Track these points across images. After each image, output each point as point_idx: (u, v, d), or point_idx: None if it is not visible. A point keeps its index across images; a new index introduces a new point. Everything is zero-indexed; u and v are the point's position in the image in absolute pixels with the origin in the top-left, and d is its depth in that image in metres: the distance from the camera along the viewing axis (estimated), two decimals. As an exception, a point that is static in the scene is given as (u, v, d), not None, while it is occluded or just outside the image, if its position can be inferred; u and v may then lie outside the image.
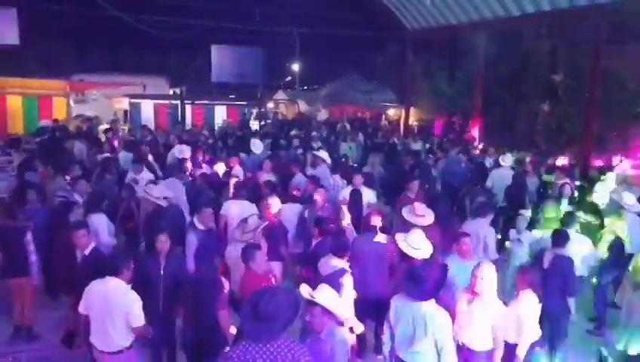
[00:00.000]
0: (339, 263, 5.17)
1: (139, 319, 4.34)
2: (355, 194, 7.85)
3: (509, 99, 17.17)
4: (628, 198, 7.19)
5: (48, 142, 12.14)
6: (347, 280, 4.91)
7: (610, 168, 10.99)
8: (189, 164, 9.02)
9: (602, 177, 9.96)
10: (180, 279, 5.11)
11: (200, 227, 6.15)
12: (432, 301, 4.12)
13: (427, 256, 5.25)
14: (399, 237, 5.38)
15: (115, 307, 4.31)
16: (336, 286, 4.39)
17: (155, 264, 5.12)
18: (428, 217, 6.29)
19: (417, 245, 5.27)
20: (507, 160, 10.27)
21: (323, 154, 9.88)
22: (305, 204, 7.28)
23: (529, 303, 4.78)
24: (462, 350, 4.67)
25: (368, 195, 8.01)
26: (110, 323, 4.31)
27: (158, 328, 4.90)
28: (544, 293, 5.19)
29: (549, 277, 5.50)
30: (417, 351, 4.11)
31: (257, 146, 10.82)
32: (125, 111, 21.25)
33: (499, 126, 16.48)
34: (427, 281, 4.10)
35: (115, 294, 4.33)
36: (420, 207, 6.41)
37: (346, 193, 7.93)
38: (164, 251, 5.14)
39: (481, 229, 6.62)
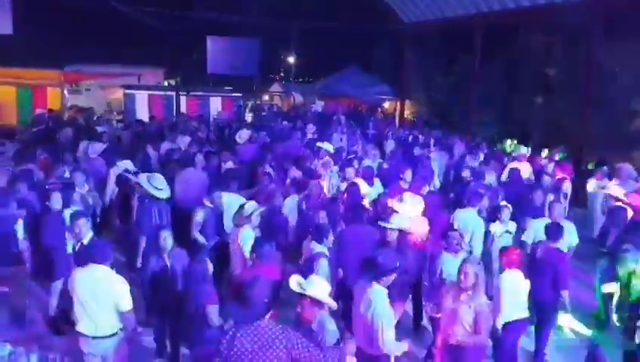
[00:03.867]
0: (317, 247, 5.38)
1: (127, 303, 4.41)
2: (352, 186, 7.85)
3: (504, 92, 17.22)
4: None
5: (43, 133, 12.08)
6: (322, 264, 5.04)
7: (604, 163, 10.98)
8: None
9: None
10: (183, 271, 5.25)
11: (209, 205, 6.67)
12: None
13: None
14: (384, 224, 5.75)
15: (103, 293, 4.36)
16: (312, 270, 4.67)
17: (161, 260, 5.30)
18: (416, 206, 6.34)
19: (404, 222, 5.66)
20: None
21: (327, 145, 9.91)
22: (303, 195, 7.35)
23: (513, 279, 4.87)
24: (449, 347, 4.72)
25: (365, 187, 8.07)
26: (98, 308, 4.36)
27: (164, 318, 5.14)
28: (533, 284, 5.28)
29: (540, 269, 5.56)
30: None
31: (242, 137, 10.94)
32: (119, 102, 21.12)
33: (494, 118, 16.54)
34: (380, 266, 4.22)
35: (102, 281, 4.38)
36: (408, 196, 6.46)
37: (342, 186, 7.97)
38: (167, 247, 5.31)
39: (470, 221, 6.69)
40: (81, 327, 4.45)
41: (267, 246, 5.17)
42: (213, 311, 4.61)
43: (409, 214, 6.12)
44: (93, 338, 4.41)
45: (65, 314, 6.08)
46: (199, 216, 6.59)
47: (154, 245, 5.48)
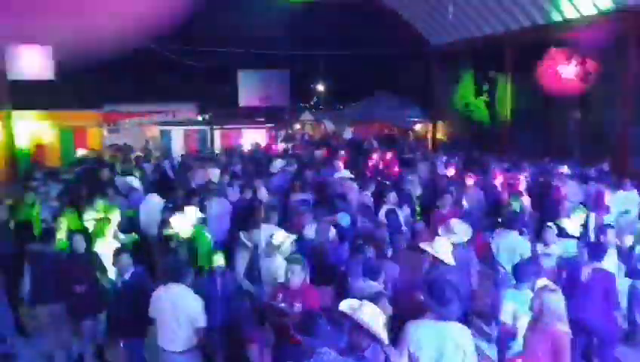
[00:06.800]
0: (373, 286, 5.08)
1: (202, 320, 4.84)
2: (392, 213, 7.75)
3: (539, 108, 16.87)
4: None
5: (86, 172, 12.44)
6: (384, 304, 4.75)
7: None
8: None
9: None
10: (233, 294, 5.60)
11: (249, 245, 6.31)
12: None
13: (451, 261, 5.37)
14: (424, 245, 5.55)
15: (181, 310, 4.77)
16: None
17: (213, 282, 5.57)
18: (464, 233, 6.24)
19: (443, 250, 5.42)
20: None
21: (345, 173, 9.82)
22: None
23: None
24: None
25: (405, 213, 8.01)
26: (177, 324, 4.77)
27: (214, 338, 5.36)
28: (585, 308, 5.05)
29: (590, 292, 5.36)
30: None
31: (275, 167, 11.05)
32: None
33: (531, 136, 16.21)
34: (454, 298, 3.85)
35: (181, 299, 4.77)
36: (455, 223, 6.34)
37: (381, 212, 7.88)
38: (219, 269, 5.65)
39: (516, 244, 6.55)
40: (161, 342, 4.88)
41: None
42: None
43: (458, 241, 6.04)
44: (172, 352, 4.84)
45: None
46: (244, 257, 6.23)
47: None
